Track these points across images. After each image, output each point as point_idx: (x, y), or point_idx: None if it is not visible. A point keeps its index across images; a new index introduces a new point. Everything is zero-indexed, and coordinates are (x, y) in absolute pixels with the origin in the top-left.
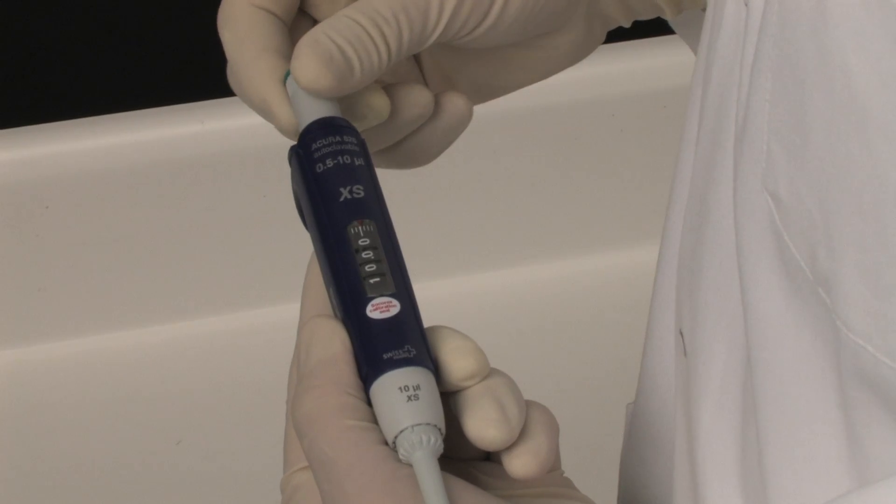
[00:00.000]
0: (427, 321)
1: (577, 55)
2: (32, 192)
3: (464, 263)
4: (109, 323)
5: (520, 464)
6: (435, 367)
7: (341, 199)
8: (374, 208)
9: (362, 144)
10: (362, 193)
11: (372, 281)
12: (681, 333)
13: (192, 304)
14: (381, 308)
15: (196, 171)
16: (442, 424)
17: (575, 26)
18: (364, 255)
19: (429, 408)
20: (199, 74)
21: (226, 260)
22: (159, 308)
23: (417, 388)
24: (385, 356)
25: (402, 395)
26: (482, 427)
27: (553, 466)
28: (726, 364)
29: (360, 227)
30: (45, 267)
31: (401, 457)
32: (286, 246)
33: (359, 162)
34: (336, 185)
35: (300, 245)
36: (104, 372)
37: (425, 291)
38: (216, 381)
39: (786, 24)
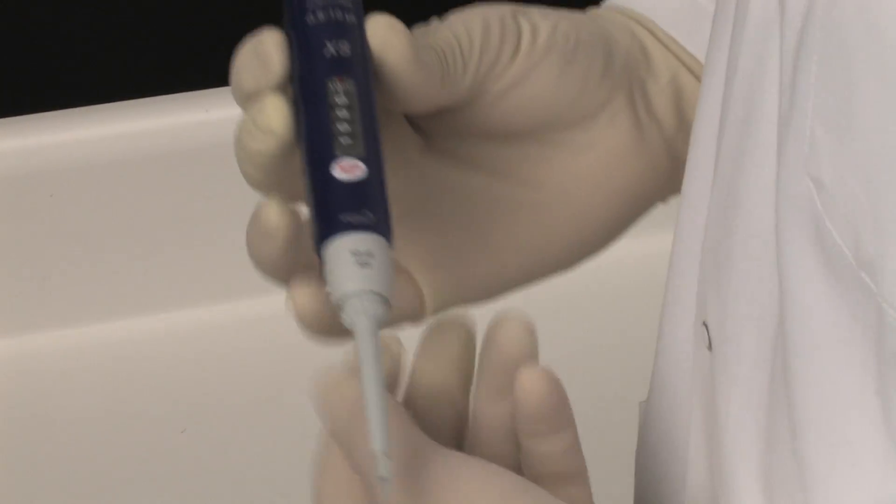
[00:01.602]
0: None
1: (625, 181)
2: (36, 182)
3: None
4: (114, 312)
5: (535, 376)
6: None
7: (326, 53)
8: (358, 70)
9: (357, 3)
10: (348, 52)
11: (342, 140)
12: (705, 326)
13: (198, 292)
14: (346, 169)
15: (202, 160)
16: (391, 296)
17: (617, 115)
18: (339, 112)
19: (379, 276)
20: (203, 62)
21: (233, 249)
22: (164, 297)
23: (371, 254)
24: (342, 218)
25: (353, 259)
26: (512, 329)
27: (563, 425)
28: (756, 356)
29: (339, 85)
30: (49, 256)
31: (343, 321)
32: None
33: (350, 19)
34: (323, 38)
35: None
36: (108, 361)
37: None
38: (222, 371)
39: (834, 5)
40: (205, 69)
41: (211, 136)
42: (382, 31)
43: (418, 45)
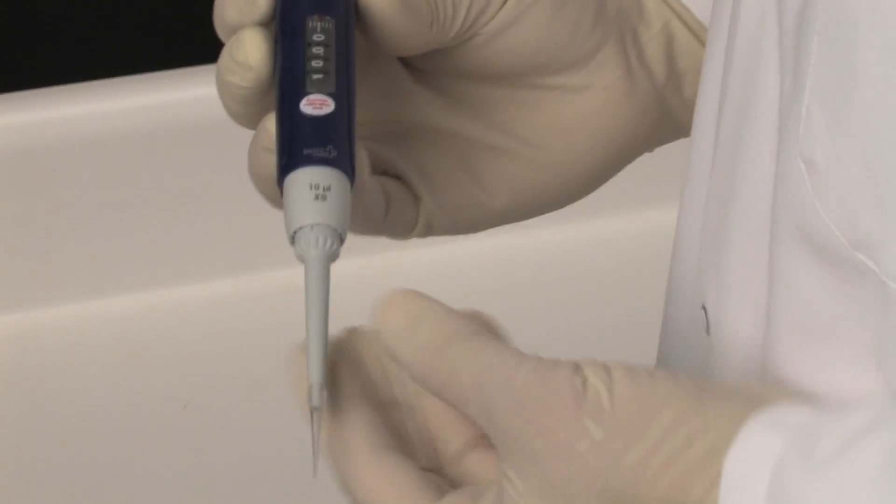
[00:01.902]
0: (437, 284)
1: (617, 125)
2: (37, 156)
3: None
4: (115, 286)
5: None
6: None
7: None
8: (339, 10)
9: None
10: None
11: (314, 76)
12: (704, 310)
13: (201, 266)
14: (314, 104)
15: (204, 135)
16: (344, 232)
17: (608, 62)
18: (314, 49)
19: (334, 211)
20: (205, 37)
21: (236, 222)
22: (166, 271)
23: (328, 188)
24: (305, 152)
25: (310, 193)
26: None
27: None
28: (750, 341)
29: (318, 23)
30: (50, 230)
31: (295, 254)
32: None
33: None
34: None
35: None
36: (110, 335)
37: (435, 254)
38: (224, 345)
39: None
40: (207, 44)
41: (213, 111)
42: None
43: None
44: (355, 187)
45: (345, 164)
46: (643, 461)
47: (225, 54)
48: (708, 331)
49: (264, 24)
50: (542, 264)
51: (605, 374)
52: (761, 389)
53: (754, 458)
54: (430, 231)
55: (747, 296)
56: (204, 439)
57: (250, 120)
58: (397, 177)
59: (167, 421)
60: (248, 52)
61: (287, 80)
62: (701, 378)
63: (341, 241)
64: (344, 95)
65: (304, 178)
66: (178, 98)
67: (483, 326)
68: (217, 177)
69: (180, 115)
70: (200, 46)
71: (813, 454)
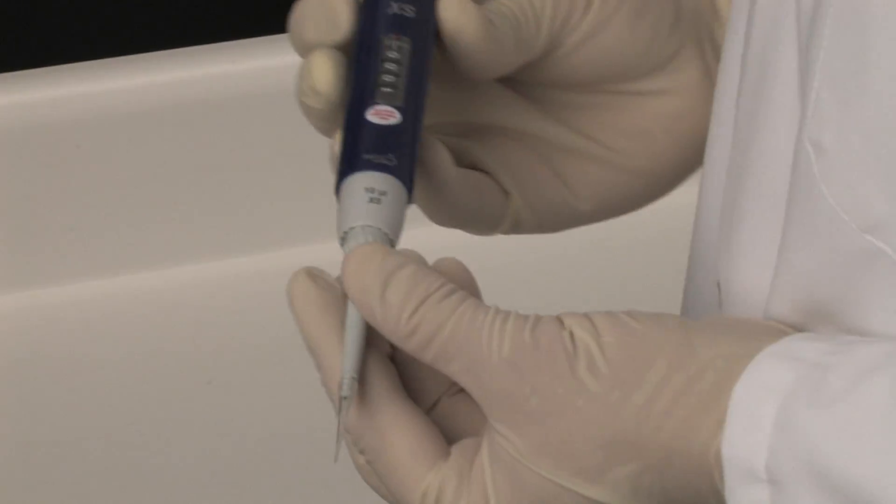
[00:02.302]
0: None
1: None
2: (64, 132)
3: None
4: (141, 262)
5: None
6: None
7: (390, 10)
8: (418, 32)
9: None
10: (412, 14)
11: (384, 90)
12: (718, 287)
13: (226, 243)
14: (381, 115)
15: (231, 110)
16: (395, 238)
17: (686, 65)
18: (387, 65)
19: (387, 215)
20: (232, 14)
21: (261, 199)
22: (191, 247)
23: (384, 193)
24: (365, 157)
25: (364, 195)
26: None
27: None
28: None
29: (394, 42)
30: (77, 206)
31: (344, 254)
32: (328, 185)
33: None
34: None
35: None
36: (135, 311)
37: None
38: (248, 321)
39: None
40: (234, 21)
41: (240, 86)
42: (454, 15)
43: (490, 20)
44: (438, 179)
45: (403, 174)
46: (644, 408)
47: (299, 78)
48: (720, 307)
49: (342, 45)
50: (563, 244)
51: (589, 325)
52: (751, 326)
53: (763, 390)
54: (516, 228)
55: (756, 273)
56: (228, 415)
57: (329, 132)
58: (485, 172)
59: (191, 396)
60: (317, 78)
61: (357, 92)
62: (684, 319)
63: (391, 246)
64: (412, 111)
65: (361, 182)
66: (209, 73)
67: (456, 280)
68: (244, 154)
69: (211, 91)
70: (230, 22)
71: (821, 388)
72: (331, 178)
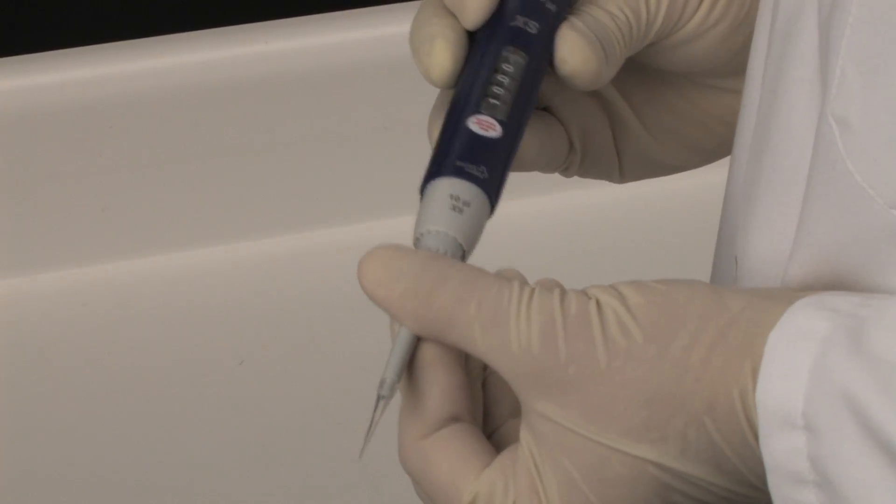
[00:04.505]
0: (488, 242)
1: None
2: (96, 112)
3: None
4: (173, 242)
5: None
6: (496, 195)
7: (514, 22)
8: (536, 49)
9: (564, 2)
10: (534, 31)
11: (490, 100)
12: (735, 261)
13: (258, 223)
14: (482, 125)
15: (262, 91)
16: (468, 250)
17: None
18: (500, 77)
19: (465, 226)
20: None
21: (293, 179)
22: (224, 228)
23: (467, 204)
24: (457, 163)
25: (448, 201)
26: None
27: None
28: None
29: (512, 55)
30: (109, 187)
31: None
32: (357, 165)
33: (551, 8)
34: (515, 11)
35: (371, 163)
36: (168, 291)
37: None
38: (280, 302)
39: None
40: (263, 1)
41: (270, 67)
42: (573, 61)
43: (605, 55)
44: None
45: (491, 189)
46: (682, 360)
47: (415, 59)
48: (736, 282)
49: (462, 42)
50: (593, 222)
51: (614, 291)
52: (774, 290)
53: (798, 338)
54: (564, 173)
55: (774, 247)
56: (259, 395)
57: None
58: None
59: (223, 377)
60: (434, 62)
61: (463, 95)
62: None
63: (462, 259)
64: (514, 128)
65: (447, 187)
66: (238, 54)
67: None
68: (274, 134)
69: (240, 72)
70: (245, 5)
71: (859, 338)
72: (376, 159)
